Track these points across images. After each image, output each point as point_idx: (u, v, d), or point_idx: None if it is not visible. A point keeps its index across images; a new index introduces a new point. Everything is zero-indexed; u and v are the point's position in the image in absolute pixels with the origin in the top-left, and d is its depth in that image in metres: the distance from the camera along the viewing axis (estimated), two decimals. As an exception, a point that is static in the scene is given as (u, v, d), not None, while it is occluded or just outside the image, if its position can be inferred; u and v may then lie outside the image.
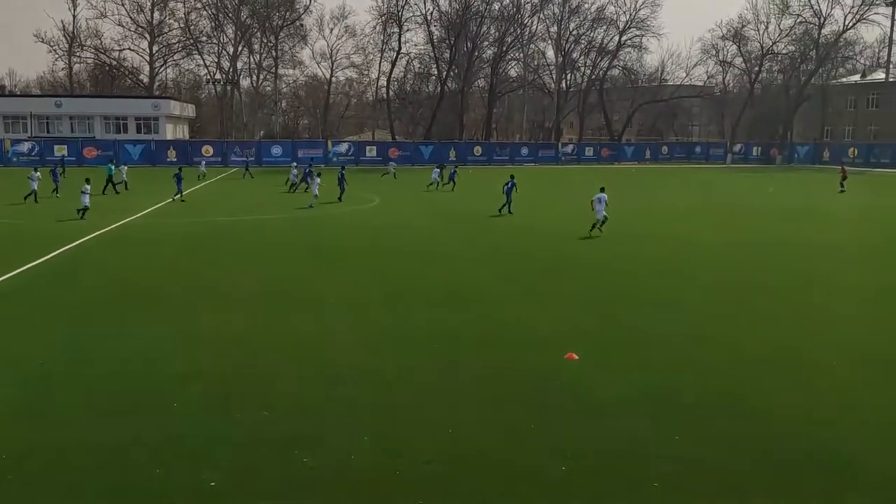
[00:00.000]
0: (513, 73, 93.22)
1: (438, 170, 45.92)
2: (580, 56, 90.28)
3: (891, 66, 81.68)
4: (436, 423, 9.03)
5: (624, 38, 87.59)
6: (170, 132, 76.48)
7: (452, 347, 12.12)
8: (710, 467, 7.95)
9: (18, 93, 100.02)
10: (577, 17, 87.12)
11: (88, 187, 28.74)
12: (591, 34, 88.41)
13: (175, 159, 64.51)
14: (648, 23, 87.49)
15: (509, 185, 31.30)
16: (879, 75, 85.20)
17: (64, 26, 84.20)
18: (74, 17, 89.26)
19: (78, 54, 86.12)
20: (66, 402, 9.60)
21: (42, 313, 14.11)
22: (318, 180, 34.39)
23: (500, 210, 30.88)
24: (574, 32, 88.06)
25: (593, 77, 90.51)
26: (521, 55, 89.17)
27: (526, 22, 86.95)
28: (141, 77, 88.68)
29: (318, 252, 21.60)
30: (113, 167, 40.91)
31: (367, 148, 74.16)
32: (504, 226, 27.82)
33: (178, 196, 34.78)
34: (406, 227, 27.63)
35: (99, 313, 14.08)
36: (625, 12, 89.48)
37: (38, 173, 34.66)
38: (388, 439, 8.57)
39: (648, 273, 18.77)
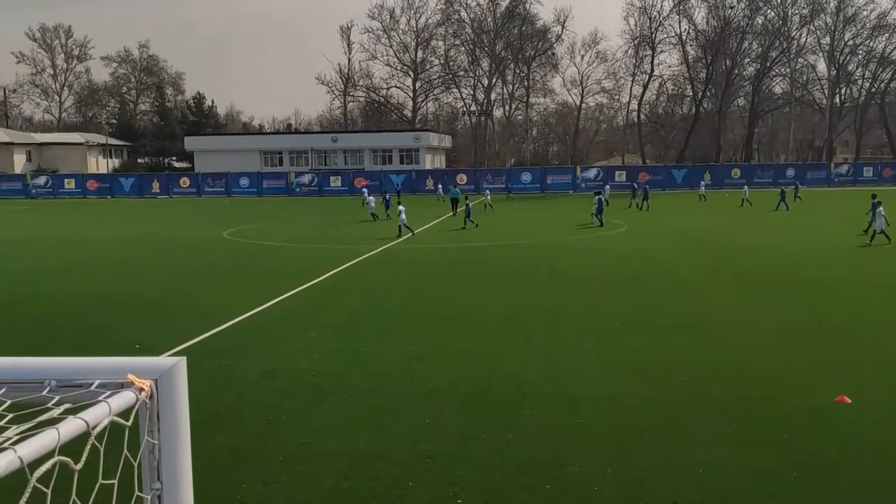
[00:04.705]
0: (777, 89, 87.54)
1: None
2: (857, 68, 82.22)
3: None
4: (680, 459, 8.66)
5: (912, 44, 78.29)
6: (428, 162, 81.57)
7: (698, 379, 11.55)
8: None
9: (302, 130, 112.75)
10: (854, 25, 79.63)
11: (403, 208, 34.01)
12: (871, 43, 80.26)
13: (432, 187, 68.64)
14: (945, 26, 77.32)
15: (877, 205, 30.06)
16: None
17: (340, 69, 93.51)
18: (349, 60, 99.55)
19: (351, 93, 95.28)
20: (329, 411, 10.56)
21: (313, 328, 15.66)
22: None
23: (866, 232, 29.81)
24: (850, 43, 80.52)
25: (873, 90, 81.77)
26: (788, 70, 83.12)
27: (793, 35, 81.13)
28: (405, 112, 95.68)
29: (558, 278, 21.73)
30: (458, 190, 46.60)
31: (617, 173, 73.23)
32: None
33: (472, 223, 37.32)
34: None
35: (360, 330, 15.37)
36: (913, 15, 79.75)
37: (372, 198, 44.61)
38: (630, 472, 8.37)
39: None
